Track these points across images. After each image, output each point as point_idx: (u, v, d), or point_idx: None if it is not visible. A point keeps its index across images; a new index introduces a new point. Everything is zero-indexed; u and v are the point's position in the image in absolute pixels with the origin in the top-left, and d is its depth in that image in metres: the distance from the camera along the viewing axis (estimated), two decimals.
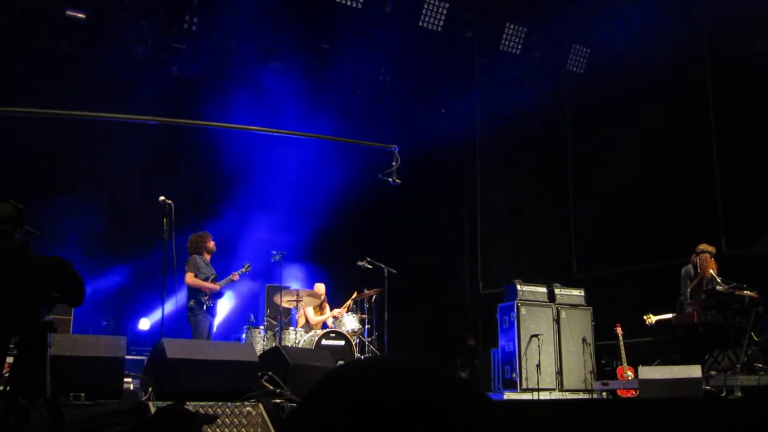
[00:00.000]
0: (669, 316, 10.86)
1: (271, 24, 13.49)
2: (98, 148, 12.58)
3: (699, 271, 10.54)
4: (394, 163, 9.51)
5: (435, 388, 0.97)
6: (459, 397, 0.97)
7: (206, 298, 10.51)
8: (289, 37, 14.00)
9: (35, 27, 11.89)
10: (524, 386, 11.74)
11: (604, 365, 12.51)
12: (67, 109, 11.05)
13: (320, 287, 12.52)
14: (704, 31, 13.41)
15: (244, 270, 11.06)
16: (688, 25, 13.49)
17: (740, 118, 12.57)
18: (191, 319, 10.47)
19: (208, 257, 10.86)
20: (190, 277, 10.56)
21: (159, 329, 10.00)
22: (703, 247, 10.57)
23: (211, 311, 10.62)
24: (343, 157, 14.17)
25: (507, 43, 15.30)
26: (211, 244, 10.88)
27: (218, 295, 10.68)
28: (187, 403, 6.29)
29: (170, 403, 6.07)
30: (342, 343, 11.52)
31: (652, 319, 11.08)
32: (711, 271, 10.32)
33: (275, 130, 11.48)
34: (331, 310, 12.54)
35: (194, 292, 10.60)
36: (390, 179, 9.47)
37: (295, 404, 6.89)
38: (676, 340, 10.82)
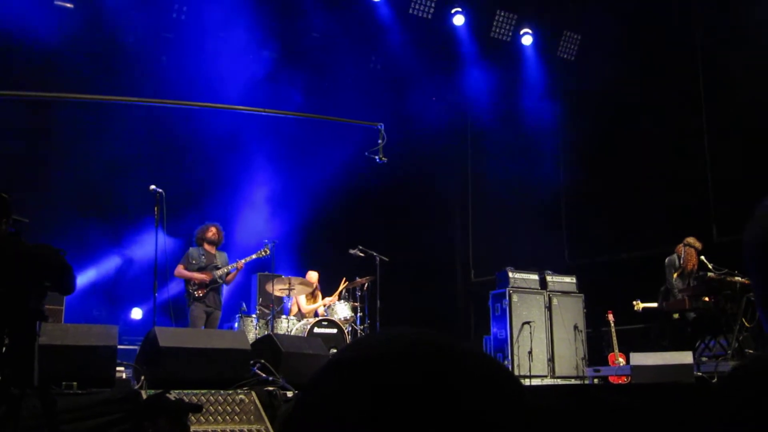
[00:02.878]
0: (655, 304, 10.96)
1: (260, 11, 13.43)
2: (87, 136, 12.52)
3: (682, 263, 10.61)
4: (380, 141, 9.40)
5: (455, 364, 0.94)
6: (481, 374, 0.94)
7: (194, 288, 10.60)
8: (278, 24, 13.95)
9: (23, 15, 11.80)
10: (516, 373, 11.74)
11: (605, 346, 12.50)
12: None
13: (313, 275, 12.51)
14: (698, 19, 13.41)
15: (255, 256, 11.14)
16: (682, 13, 13.47)
17: (732, 106, 12.58)
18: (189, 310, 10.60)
19: (208, 247, 10.91)
20: (177, 269, 10.78)
21: (151, 318, 10.00)
22: (690, 240, 10.63)
23: (205, 300, 10.62)
24: (334, 146, 14.16)
25: (498, 30, 15.28)
26: (210, 234, 10.95)
27: (210, 284, 10.66)
28: (178, 391, 6.28)
29: (158, 391, 6.07)
30: (334, 331, 11.53)
31: (640, 305, 11.18)
32: (695, 263, 10.40)
33: (260, 109, 11.50)
34: (323, 298, 12.54)
35: (184, 283, 10.74)
36: (376, 157, 9.39)
37: (289, 391, 6.90)
38: (664, 327, 10.88)
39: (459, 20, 15.00)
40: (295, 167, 14.47)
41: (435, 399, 0.89)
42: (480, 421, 0.89)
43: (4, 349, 4.70)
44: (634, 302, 11.19)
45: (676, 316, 10.41)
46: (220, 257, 11.04)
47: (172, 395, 6.06)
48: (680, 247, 10.71)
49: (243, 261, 11.03)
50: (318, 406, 0.94)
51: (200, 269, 10.72)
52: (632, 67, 14.03)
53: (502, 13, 15.22)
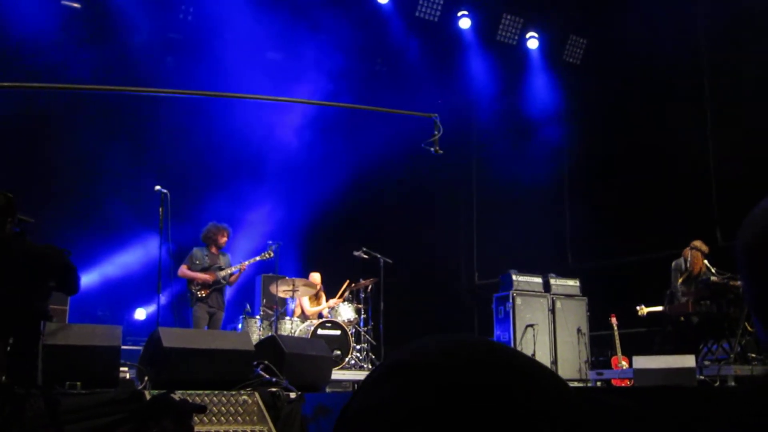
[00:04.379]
0: (660, 308, 10.95)
1: (266, 13, 13.44)
2: (92, 135, 12.55)
3: (689, 266, 10.61)
4: (435, 132, 9.07)
5: (512, 366, 0.93)
6: (544, 385, 0.94)
7: (197, 288, 10.61)
8: (283, 25, 13.95)
9: (30, 14, 11.84)
10: None
11: (608, 349, 12.48)
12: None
13: (315, 277, 12.51)
14: (702, 24, 13.41)
15: (259, 258, 11.16)
16: (686, 19, 13.48)
17: (736, 110, 12.58)
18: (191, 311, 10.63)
19: (214, 249, 10.93)
20: (180, 270, 10.76)
21: (155, 319, 10.03)
22: (697, 244, 10.62)
23: (207, 301, 10.63)
24: (338, 147, 14.23)
25: (504, 33, 15.30)
26: (222, 239, 10.97)
27: (213, 284, 10.67)
28: (181, 391, 6.30)
29: (162, 392, 6.09)
30: (338, 332, 11.54)
31: (644, 310, 11.16)
32: (702, 266, 10.41)
33: (300, 100, 11.47)
34: (327, 300, 12.54)
35: (187, 283, 10.73)
36: (432, 149, 9.20)
37: (292, 392, 6.91)
38: (666, 331, 10.88)
39: (465, 23, 15.03)
40: (300, 169, 14.49)
41: (495, 399, 0.88)
42: (539, 419, 0.89)
43: (8, 348, 4.73)
44: (638, 307, 11.18)
45: (682, 319, 10.41)
46: (224, 258, 11.06)
47: (177, 396, 6.09)
48: (687, 251, 10.70)
49: (246, 263, 11.05)
50: (377, 408, 0.92)
51: (203, 270, 10.73)
52: (637, 71, 14.04)
53: (509, 17, 15.24)
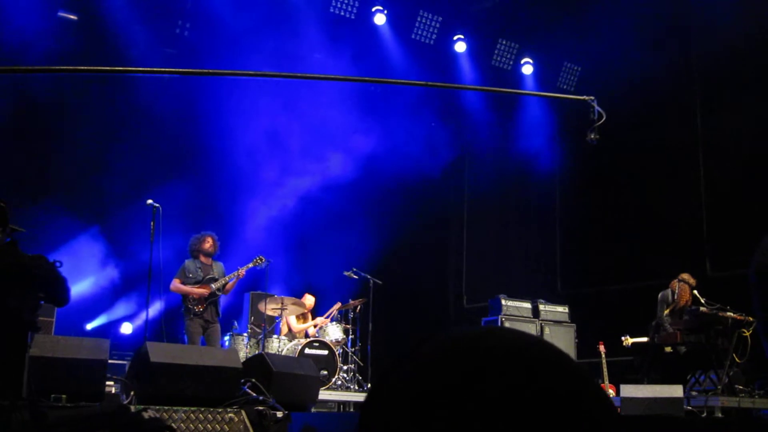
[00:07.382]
0: (645, 339, 10.96)
1: (262, 31, 13.45)
2: (83, 146, 12.52)
3: (676, 298, 10.64)
4: (594, 118, 7.93)
5: (563, 374, 0.92)
6: (588, 388, 0.92)
7: (193, 303, 10.44)
8: (279, 44, 13.96)
9: (27, 26, 11.83)
10: None
11: (595, 377, 12.43)
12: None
13: (309, 299, 12.45)
14: (695, 54, 13.51)
15: (252, 264, 11.04)
16: (680, 49, 13.58)
17: (727, 142, 12.65)
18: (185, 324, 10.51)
19: (204, 259, 10.80)
20: (173, 284, 10.54)
21: (142, 333, 9.93)
22: (685, 276, 10.67)
23: (203, 315, 10.47)
24: (333, 167, 14.25)
25: (499, 58, 15.38)
26: (207, 245, 10.75)
27: (209, 297, 10.52)
28: (167, 407, 6.25)
29: (140, 408, 6.03)
30: (325, 352, 11.49)
31: (629, 341, 11.17)
32: (689, 298, 10.45)
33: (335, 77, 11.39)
34: (313, 319, 12.49)
35: (182, 298, 10.57)
36: (591, 136, 7.99)
37: (279, 411, 6.86)
38: (654, 361, 10.88)
39: (461, 47, 15.09)
40: (292, 189, 14.49)
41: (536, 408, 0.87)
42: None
43: None
44: (623, 338, 11.19)
45: (668, 349, 10.42)
46: (217, 268, 10.86)
47: (148, 414, 6.00)
48: (674, 283, 10.74)
49: (243, 269, 10.90)
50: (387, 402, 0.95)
51: (197, 283, 10.55)
52: (630, 100, 14.09)
53: (504, 42, 15.32)
